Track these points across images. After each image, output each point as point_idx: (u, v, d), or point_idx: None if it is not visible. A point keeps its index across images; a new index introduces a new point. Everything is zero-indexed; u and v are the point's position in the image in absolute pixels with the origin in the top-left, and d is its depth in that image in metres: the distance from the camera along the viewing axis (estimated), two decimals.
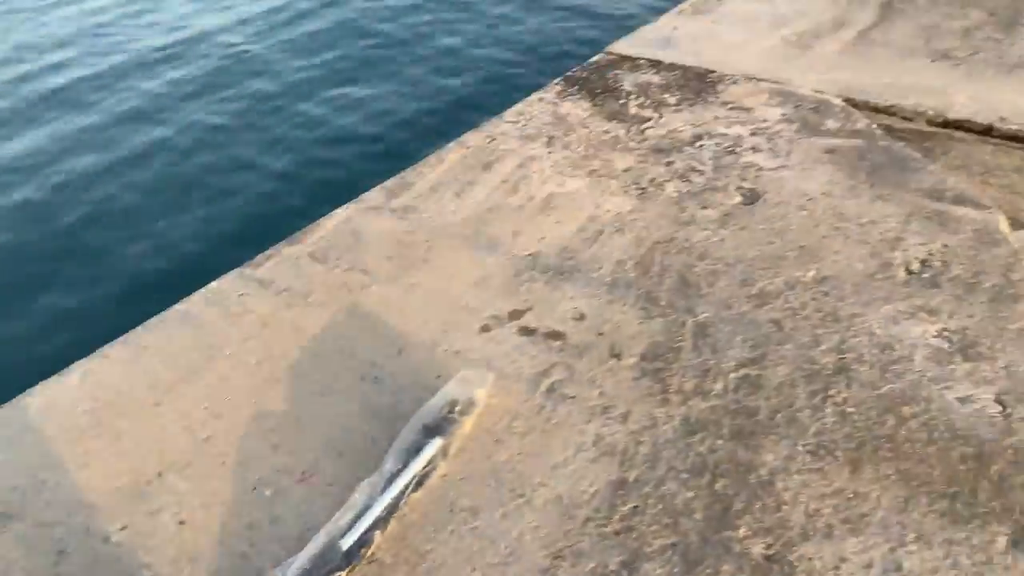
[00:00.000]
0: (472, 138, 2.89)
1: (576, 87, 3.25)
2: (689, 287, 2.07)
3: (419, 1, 7.97)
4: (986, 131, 2.76)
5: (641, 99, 3.11)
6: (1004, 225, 2.24)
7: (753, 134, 2.79)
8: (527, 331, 1.95)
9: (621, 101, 3.11)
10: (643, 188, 2.53)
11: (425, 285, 2.14)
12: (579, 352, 1.87)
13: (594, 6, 7.47)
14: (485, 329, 1.97)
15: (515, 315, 2.01)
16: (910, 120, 2.87)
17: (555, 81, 3.31)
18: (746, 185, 2.50)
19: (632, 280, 2.11)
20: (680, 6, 3.99)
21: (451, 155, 2.79)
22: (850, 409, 1.66)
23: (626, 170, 2.64)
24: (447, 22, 7.42)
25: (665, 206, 2.43)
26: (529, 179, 2.62)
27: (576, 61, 3.59)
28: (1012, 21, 3.59)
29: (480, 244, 2.30)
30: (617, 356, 1.85)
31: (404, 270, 2.21)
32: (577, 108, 3.08)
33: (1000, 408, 1.63)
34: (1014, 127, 2.72)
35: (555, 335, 1.93)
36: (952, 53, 3.31)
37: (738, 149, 2.71)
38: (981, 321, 1.89)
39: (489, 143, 2.85)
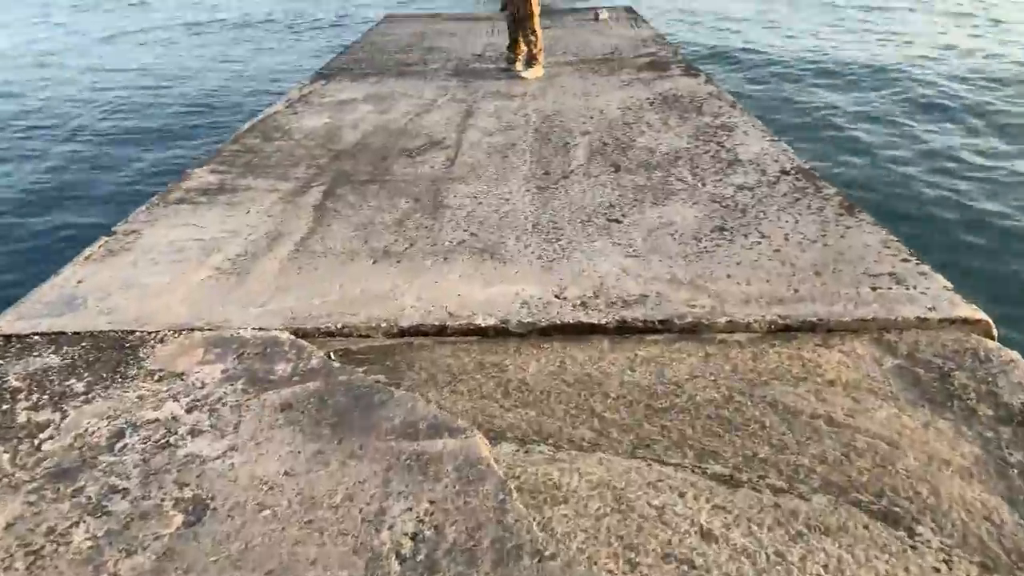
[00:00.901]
0: None
1: None
2: None
3: None
4: (441, 331, 2.64)
5: (36, 396, 2.31)
6: (484, 448, 2.03)
7: (191, 409, 2.22)
8: None
9: (5, 406, 2.27)
10: (36, 550, 1.74)
11: None
12: None
13: None
14: None
15: None
16: (367, 337, 2.63)
17: None
18: (187, 494, 1.89)
19: None
20: (87, 250, 3.30)
21: None
22: None
23: (9, 525, 1.81)
24: None
25: (73, 570, 1.68)
26: None
27: None
28: (436, 204, 3.75)
29: None
30: None
31: None
32: None
33: None
34: (463, 321, 2.66)
35: None
36: (391, 249, 3.25)
37: (173, 438, 2.10)
38: None
39: None
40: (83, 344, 2.57)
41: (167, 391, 2.30)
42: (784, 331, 2.58)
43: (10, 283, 4.51)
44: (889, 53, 10.42)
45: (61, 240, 5.42)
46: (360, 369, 2.42)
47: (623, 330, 2.60)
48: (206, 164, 4.43)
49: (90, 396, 2.30)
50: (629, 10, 10.18)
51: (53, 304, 2.84)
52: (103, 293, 2.91)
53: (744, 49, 11.18)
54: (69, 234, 5.61)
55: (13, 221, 5.99)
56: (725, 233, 3.25)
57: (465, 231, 3.42)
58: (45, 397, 2.30)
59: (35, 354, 2.53)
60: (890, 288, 2.74)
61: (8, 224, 5.94)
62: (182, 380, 2.36)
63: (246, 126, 5.29)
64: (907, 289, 2.73)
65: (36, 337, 2.63)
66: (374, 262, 3.14)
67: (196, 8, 17.78)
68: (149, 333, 2.62)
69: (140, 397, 2.28)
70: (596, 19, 9.26)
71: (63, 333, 2.64)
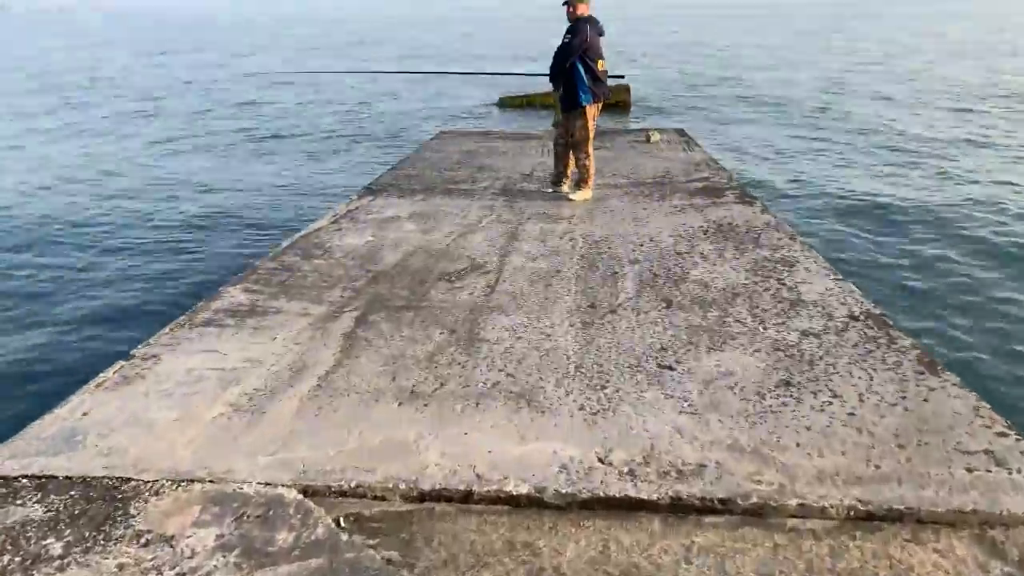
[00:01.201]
0: None
1: None
2: None
3: None
4: (466, 497, 2.33)
5: (7, 557, 2.05)
6: None
7: None
8: None
9: None
10: None
11: None
12: None
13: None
14: None
15: None
16: (383, 499, 2.33)
17: None
18: None
19: None
20: (101, 375, 3.12)
21: None
22: None
23: None
24: None
25: None
26: None
27: None
28: (472, 337, 3.51)
29: None
30: None
31: None
32: None
33: None
34: (492, 487, 2.34)
35: None
36: (420, 389, 2.99)
37: None
38: None
39: None
40: (72, 492, 2.32)
41: (151, 560, 2.02)
42: (866, 519, 2.20)
43: (27, 405, 4.33)
44: (949, 192, 10.05)
45: (89, 357, 5.26)
46: (371, 542, 2.12)
47: (677, 508, 2.26)
48: (240, 283, 4.30)
49: (65, 562, 2.02)
50: (681, 132, 10.17)
51: (51, 440, 2.62)
52: (106, 429, 2.69)
53: (796, 180, 10.93)
54: (96, 351, 5.47)
55: (39, 341, 5.84)
56: (791, 389, 2.91)
57: (501, 371, 3.15)
58: (16, 560, 2.03)
59: (18, 502, 2.28)
60: (989, 471, 2.36)
61: (34, 344, 5.79)
62: (171, 547, 2.07)
63: (287, 242, 5.20)
64: (1010, 473, 2.34)
65: (24, 480, 2.39)
66: (400, 404, 2.87)
67: (258, 118, 18.49)
68: (145, 483, 2.36)
69: (120, 566, 2.00)
70: (648, 140, 9.24)
71: (54, 477, 2.40)
